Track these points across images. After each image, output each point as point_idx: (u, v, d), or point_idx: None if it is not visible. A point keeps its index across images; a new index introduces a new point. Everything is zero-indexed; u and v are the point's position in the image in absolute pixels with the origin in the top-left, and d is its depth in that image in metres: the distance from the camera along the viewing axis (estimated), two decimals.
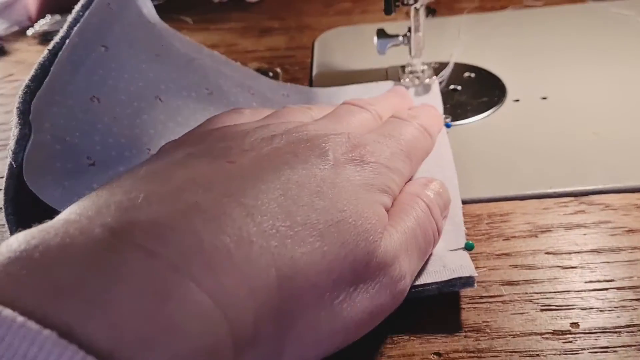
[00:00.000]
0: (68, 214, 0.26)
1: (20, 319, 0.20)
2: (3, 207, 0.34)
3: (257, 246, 0.26)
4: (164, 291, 0.23)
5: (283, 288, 0.27)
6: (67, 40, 0.40)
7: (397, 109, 0.46)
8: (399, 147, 0.39)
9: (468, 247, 0.40)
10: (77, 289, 0.21)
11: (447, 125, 0.51)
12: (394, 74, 0.58)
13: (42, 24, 0.76)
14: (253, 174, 0.30)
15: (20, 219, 0.35)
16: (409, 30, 0.53)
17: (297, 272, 0.27)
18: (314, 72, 0.61)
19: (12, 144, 0.34)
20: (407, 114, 0.44)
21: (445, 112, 0.52)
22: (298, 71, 0.62)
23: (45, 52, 0.40)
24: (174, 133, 0.43)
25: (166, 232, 0.24)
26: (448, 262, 0.38)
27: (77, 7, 0.44)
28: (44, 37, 0.75)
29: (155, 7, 0.52)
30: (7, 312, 0.20)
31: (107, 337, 0.21)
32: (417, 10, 0.52)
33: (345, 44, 0.66)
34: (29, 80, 0.37)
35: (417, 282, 0.37)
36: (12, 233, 0.34)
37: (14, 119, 0.35)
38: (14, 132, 0.34)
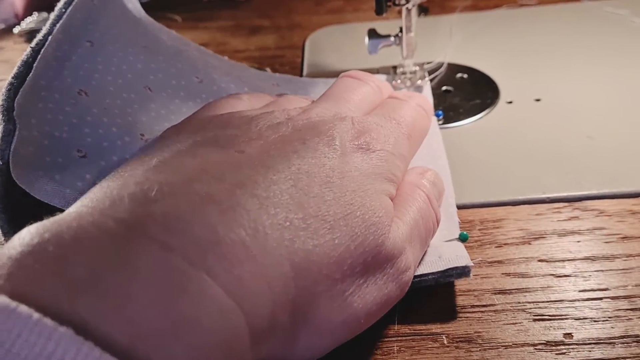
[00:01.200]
0: (80, 206, 0.25)
1: (36, 315, 0.19)
2: None
3: (271, 238, 0.26)
4: (180, 285, 0.22)
5: (298, 279, 0.27)
6: (50, 37, 0.40)
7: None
8: (402, 130, 0.39)
9: (462, 238, 0.39)
10: (92, 284, 0.21)
11: (438, 115, 0.50)
12: (385, 74, 0.57)
13: (29, 22, 0.75)
14: (263, 164, 0.30)
15: (10, 216, 0.34)
16: (401, 30, 0.52)
17: (311, 263, 0.28)
18: (305, 72, 0.60)
19: None
20: (403, 94, 0.44)
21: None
22: (288, 71, 0.61)
23: (29, 49, 0.39)
24: (167, 120, 0.43)
25: (181, 225, 0.24)
26: (443, 253, 0.38)
27: (60, 4, 0.43)
28: (31, 35, 0.73)
29: (143, 4, 0.51)
30: (23, 308, 0.19)
31: (123, 333, 0.20)
32: (409, 10, 0.51)
33: (336, 44, 0.65)
34: (12, 77, 0.37)
35: (414, 273, 0.36)
36: (3, 231, 0.34)
37: None
38: None
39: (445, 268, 0.37)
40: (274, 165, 0.30)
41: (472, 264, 0.36)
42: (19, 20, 0.76)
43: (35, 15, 0.76)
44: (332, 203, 0.30)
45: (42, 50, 0.38)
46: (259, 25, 0.70)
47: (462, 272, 0.37)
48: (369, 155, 0.34)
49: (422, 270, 0.37)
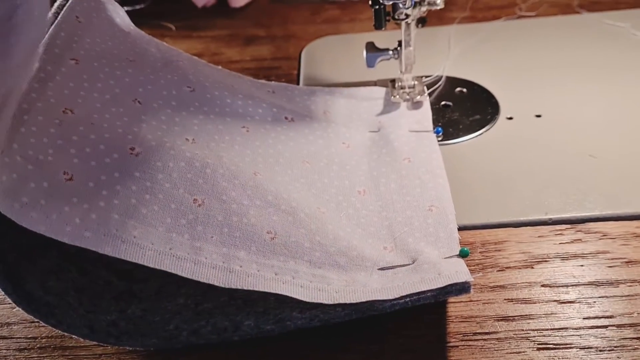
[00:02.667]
0: None
1: None
2: None
3: None
4: None
5: None
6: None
7: None
8: None
9: (463, 254, 0.39)
10: None
11: (438, 131, 0.49)
12: (383, 87, 0.56)
13: None
14: None
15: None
16: (399, 44, 0.52)
17: None
18: (301, 84, 0.59)
19: None
20: None
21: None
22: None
23: None
24: (159, 129, 0.42)
25: None
26: (443, 270, 0.37)
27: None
28: None
29: (136, 12, 0.51)
30: None
31: None
32: (408, 24, 0.50)
33: (333, 55, 0.64)
34: None
35: (413, 291, 0.36)
36: None
37: None
38: None
39: (444, 285, 0.36)
40: None
41: (472, 279, 0.36)
42: None
43: None
44: None
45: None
46: (254, 35, 0.69)
47: (462, 288, 0.36)
48: None
49: (421, 287, 0.36)
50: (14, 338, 0.39)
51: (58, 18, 0.43)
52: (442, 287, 0.36)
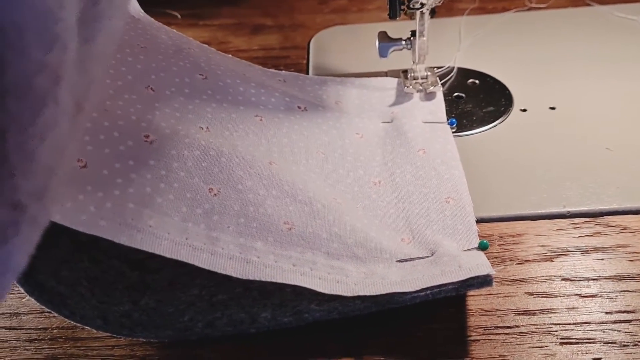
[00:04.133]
0: None
1: None
2: None
3: None
4: None
5: None
6: None
7: None
8: None
9: (482, 247, 0.38)
10: None
11: (452, 123, 0.49)
12: (394, 77, 0.55)
13: None
14: None
15: None
16: (412, 34, 0.51)
17: None
18: (310, 74, 0.58)
19: None
20: None
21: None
22: None
23: None
24: (172, 117, 0.41)
25: None
26: (463, 262, 0.36)
27: None
28: None
29: (141, 0, 0.49)
30: None
31: None
32: (422, 13, 0.49)
33: (342, 45, 0.63)
34: None
35: (434, 283, 0.35)
36: None
37: None
38: None
39: (466, 277, 0.35)
40: None
41: (494, 272, 0.35)
42: None
43: None
44: None
45: None
46: (261, 24, 0.68)
47: (484, 281, 0.35)
48: None
49: (442, 280, 0.35)
50: (24, 329, 0.38)
51: None
52: (463, 280, 0.35)
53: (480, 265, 0.36)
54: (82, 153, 0.35)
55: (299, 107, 0.48)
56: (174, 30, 0.50)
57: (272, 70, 0.53)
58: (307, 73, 0.59)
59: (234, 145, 0.40)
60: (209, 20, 0.69)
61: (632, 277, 0.38)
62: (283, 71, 0.53)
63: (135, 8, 0.49)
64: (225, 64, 0.49)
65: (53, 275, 0.34)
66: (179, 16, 0.69)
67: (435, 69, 0.55)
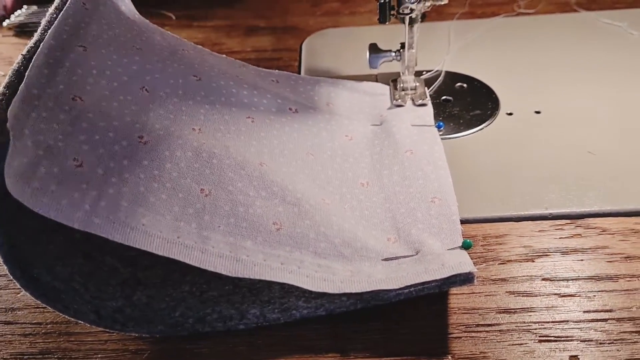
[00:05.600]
0: None
1: None
2: None
3: None
4: None
5: None
6: (42, 44, 0.39)
7: None
8: None
9: (465, 246, 0.39)
10: None
11: (439, 126, 0.50)
12: (384, 81, 0.56)
13: (18, 15, 0.73)
14: None
15: (4, 230, 0.33)
16: (402, 46, 0.52)
17: None
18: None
19: None
20: None
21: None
22: None
23: (19, 57, 0.38)
24: (166, 119, 0.42)
25: None
26: (447, 260, 0.37)
27: (51, 9, 0.43)
28: (20, 29, 0.72)
29: (136, 1, 0.50)
30: None
31: None
32: (412, 19, 0.50)
33: (334, 48, 0.64)
34: (4, 87, 0.36)
35: (417, 281, 0.36)
36: None
37: None
38: None
39: (448, 275, 0.36)
40: None
41: (476, 270, 0.36)
42: (7, 13, 0.74)
43: (24, 8, 0.74)
44: None
45: (34, 57, 0.38)
46: (255, 26, 0.69)
47: (466, 278, 0.36)
48: None
49: (425, 277, 0.37)
50: (18, 323, 0.39)
51: (66, 4, 0.43)
52: (446, 278, 0.36)
53: (462, 263, 0.37)
54: (77, 152, 0.36)
55: (291, 109, 0.49)
56: (169, 32, 0.51)
57: (266, 69, 0.54)
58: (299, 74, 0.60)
59: (225, 147, 0.41)
60: (203, 22, 0.70)
61: (609, 278, 0.39)
62: (276, 71, 0.54)
63: (130, 9, 0.50)
64: (219, 66, 0.50)
65: (48, 270, 0.35)
66: (174, 17, 0.70)
67: (423, 72, 0.57)
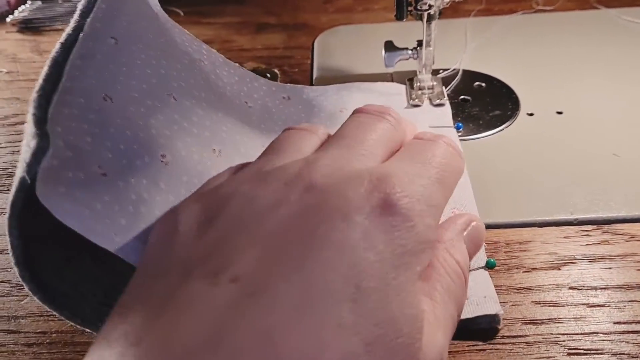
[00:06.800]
0: None
1: None
2: (7, 222, 0.30)
3: None
4: None
5: None
6: (76, 29, 0.36)
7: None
8: (431, 174, 0.33)
9: (489, 266, 0.37)
10: None
11: (458, 127, 0.48)
12: (399, 80, 0.54)
13: (22, 11, 0.72)
14: (268, 291, 0.25)
15: (22, 233, 0.31)
16: (419, 44, 0.50)
17: None
18: (315, 75, 0.58)
19: (27, 155, 0.29)
20: (430, 134, 0.38)
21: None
22: (297, 73, 0.58)
23: (58, 45, 0.35)
24: (190, 134, 0.39)
25: None
26: (471, 292, 0.35)
27: None
28: (24, 25, 0.70)
29: None
30: None
31: None
32: (430, 16, 0.48)
33: (347, 45, 0.62)
34: (43, 79, 0.32)
35: None
36: (12, 248, 0.30)
37: (28, 125, 0.30)
38: (29, 142, 0.30)
39: (473, 316, 0.35)
40: (280, 289, 0.25)
41: (502, 312, 0.35)
42: (11, 8, 0.73)
43: (28, 3, 0.72)
44: (351, 330, 0.25)
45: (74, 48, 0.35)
46: (265, 23, 0.67)
47: (492, 320, 0.35)
48: (394, 226, 0.28)
49: None
50: (22, 332, 0.37)
51: None
52: (471, 318, 0.35)
53: (488, 298, 0.35)
54: (102, 159, 0.33)
55: None
56: (185, 31, 0.49)
57: (277, 84, 0.52)
58: (311, 73, 0.58)
59: None
60: (213, 19, 0.68)
61: None
62: (288, 85, 0.52)
63: (154, 1, 0.46)
64: (231, 85, 0.48)
65: (57, 273, 0.34)
66: (182, 13, 0.68)
67: (440, 71, 0.55)
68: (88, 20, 0.37)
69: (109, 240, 0.31)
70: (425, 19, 0.49)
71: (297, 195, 0.29)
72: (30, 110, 0.30)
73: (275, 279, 0.25)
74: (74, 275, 0.34)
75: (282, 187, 0.30)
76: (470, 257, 0.35)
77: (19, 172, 0.29)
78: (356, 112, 0.37)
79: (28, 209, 0.30)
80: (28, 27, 0.69)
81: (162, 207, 0.35)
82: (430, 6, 0.48)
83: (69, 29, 0.36)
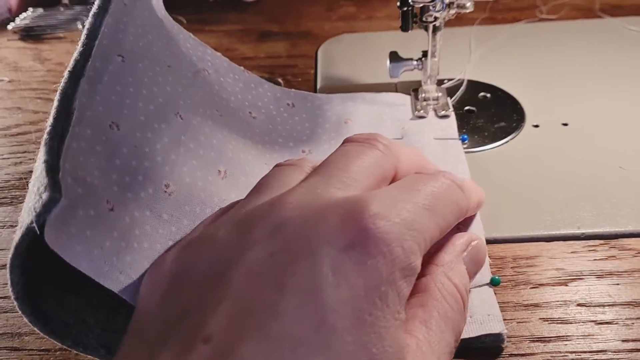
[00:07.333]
0: None
1: None
2: (9, 261, 0.29)
3: None
4: None
5: None
6: (85, 51, 0.34)
7: (418, 161, 0.37)
8: (419, 201, 0.30)
9: (494, 283, 0.37)
10: None
11: (463, 139, 0.48)
12: (404, 90, 0.54)
13: (24, 18, 0.71)
14: (239, 352, 0.24)
15: (23, 269, 0.30)
16: (424, 54, 0.50)
17: None
18: (319, 85, 0.57)
19: (37, 205, 0.28)
20: (433, 168, 0.37)
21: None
22: (301, 83, 0.58)
23: (66, 74, 0.33)
24: (195, 156, 0.39)
25: None
26: (475, 310, 0.35)
27: (95, 8, 0.37)
28: (26, 32, 0.70)
29: None
30: None
31: None
32: (435, 27, 0.48)
33: (351, 54, 0.62)
34: (53, 118, 0.30)
35: None
36: (12, 284, 0.30)
37: (39, 171, 0.29)
38: (40, 190, 0.28)
39: (477, 335, 0.34)
40: (247, 356, 0.24)
41: (506, 331, 0.35)
42: (12, 16, 0.72)
43: (30, 11, 0.72)
44: None
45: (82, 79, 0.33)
46: (268, 31, 0.67)
47: (496, 339, 0.35)
48: (367, 253, 0.26)
49: None
50: (25, 349, 0.37)
51: (110, 3, 0.38)
52: (475, 337, 0.34)
53: (492, 316, 0.35)
54: (110, 194, 0.33)
55: (303, 151, 0.47)
56: (190, 35, 0.48)
57: (283, 89, 0.51)
58: (315, 83, 0.58)
59: None
60: (215, 26, 0.68)
61: None
62: (293, 91, 0.52)
63: (159, 4, 0.46)
64: (235, 94, 0.48)
65: (57, 302, 0.33)
66: (185, 21, 0.68)
67: (445, 81, 0.55)
68: (91, 35, 0.35)
69: (114, 280, 0.31)
70: (430, 30, 0.49)
71: (265, 239, 0.28)
72: (41, 155, 0.29)
73: (246, 337, 0.24)
74: (75, 302, 0.33)
75: (252, 232, 0.28)
76: (471, 278, 0.35)
77: (26, 218, 0.28)
78: (345, 141, 0.35)
79: (30, 245, 0.30)
80: (30, 34, 0.69)
81: (164, 241, 0.34)
82: (435, 18, 0.47)
83: (76, 53, 0.34)
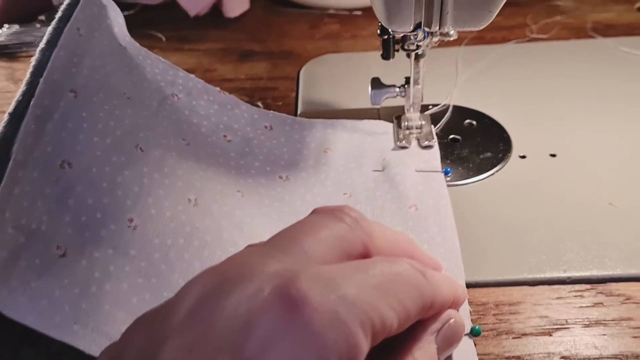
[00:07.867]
0: None
1: None
2: None
3: None
4: None
5: None
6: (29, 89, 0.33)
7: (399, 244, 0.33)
8: (368, 279, 0.26)
9: (474, 333, 0.35)
10: None
11: (446, 172, 0.46)
12: (387, 116, 0.52)
13: None
14: None
15: None
16: (407, 81, 0.48)
17: None
18: (299, 109, 0.55)
19: None
20: (420, 255, 0.33)
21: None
22: (281, 107, 0.56)
23: (6, 117, 0.32)
24: (161, 186, 0.37)
25: None
26: (453, 357, 0.33)
27: (43, 43, 0.36)
28: (0, 50, 0.67)
29: (125, 18, 0.45)
30: None
31: None
32: (418, 55, 0.46)
33: (333, 76, 0.60)
34: None
35: None
36: None
37: None
38: None
39: None
40: None
41: None
42: None
43: (5, 27, 0.70)
44: None
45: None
46: (250, 50, 0.65)
47: None
48: (291, 337, 0.23)
49: None
50: None
51: (62, 35, 0.37)
52: None
53: None
54: (62, 238, 0.31)
55: (281, 177, 0.45)
56: (159, 58, 0.46)
57: (261, 110, 0.49)
58: (296, 106, 0.56)
59: (219, 232, 0.37)
60: (195, 44, 0.66)
61: (635, 357, 0.35)
62: (271, 113, 0.50)
63: (122, 32, 0.44)
64: (208, 117, 0.46)
65: (14, 355, 0.31)
66: (164, 38, 0.66)
67: (430, 107, 0.53)
68: (45, 73, 0.34)
69: (67, 331, 0.29)
70: (413, 58, 0.47)
71: (185, 328, 0.24)
72: None
73: None
74: (33, 353, 0.32)
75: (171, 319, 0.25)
76: (443, 355, 0.32)
77: None
78: (313, 211, 0.32)
79: None
80: (3, 52, 0.67)
81: (132, 279, 0.32)
82: (418, 46, 0.45)
83: (19, 93, 0.33)
